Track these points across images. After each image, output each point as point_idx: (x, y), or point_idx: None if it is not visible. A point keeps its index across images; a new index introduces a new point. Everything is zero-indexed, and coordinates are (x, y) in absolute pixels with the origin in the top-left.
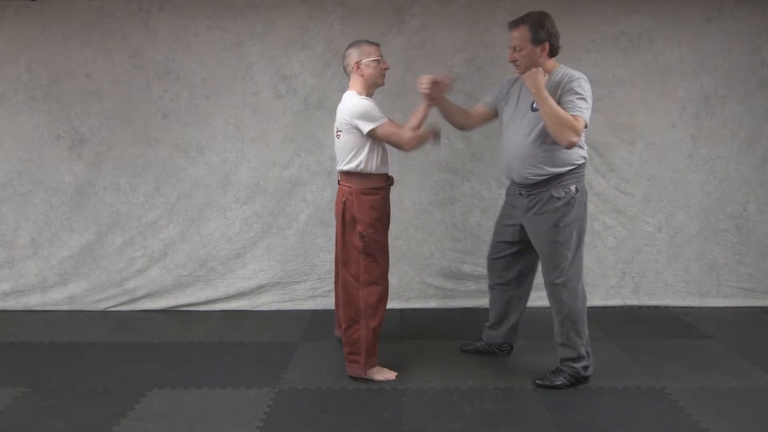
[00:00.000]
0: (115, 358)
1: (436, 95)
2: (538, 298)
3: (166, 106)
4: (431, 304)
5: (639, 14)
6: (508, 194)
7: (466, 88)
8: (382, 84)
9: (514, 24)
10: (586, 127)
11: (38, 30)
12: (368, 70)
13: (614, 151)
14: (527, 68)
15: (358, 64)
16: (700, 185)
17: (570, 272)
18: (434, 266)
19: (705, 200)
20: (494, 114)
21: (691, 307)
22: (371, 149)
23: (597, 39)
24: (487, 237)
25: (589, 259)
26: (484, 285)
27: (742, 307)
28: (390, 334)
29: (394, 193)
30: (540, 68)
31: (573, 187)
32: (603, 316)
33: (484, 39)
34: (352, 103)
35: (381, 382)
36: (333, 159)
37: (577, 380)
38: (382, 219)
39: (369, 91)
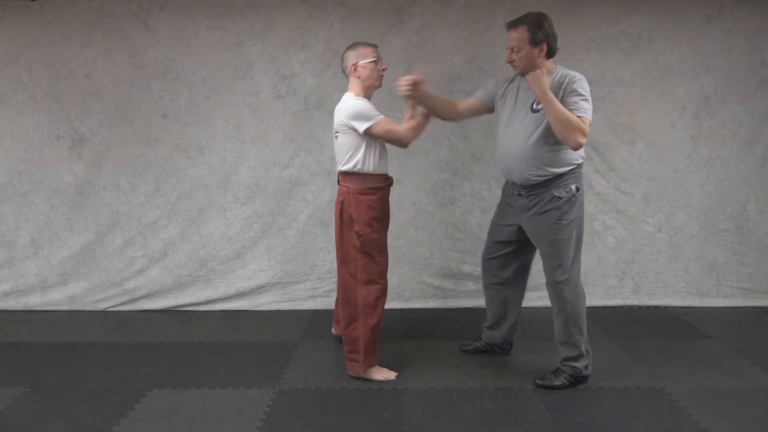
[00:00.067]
0: (115, 358)
1: (417, 95)
2: (538, 298)
3: (166, 106)
4: (431, 304)
5: (639, 14)
6: (504, 194)
7: (466, 88)
8: (380, 86)
9: (513, 25)
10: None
11: (38, 30)
12: (365, 72)
13: (614, 151)
14: (525, 69)
15: (355, 66)
16: (700, 185)
17: (572, 270)
18: (434, 266)
19: (705, 200)
20: (485, 109)
21: (691, 307)
22: (368, 149)
23: (597, 39)
24: None
25: (589, 259)
26: None
27: (742, 307)
28: (390, 334)
29: (394, 193)
30: (544, 70)
31: (574, 187)
32: (603, 316)
33: (484, 39)
34: (348, 104)
35: (381, 382)
36: (333, 159)
37: (577, 380)
38: (379, 218)
39: (367, 92)
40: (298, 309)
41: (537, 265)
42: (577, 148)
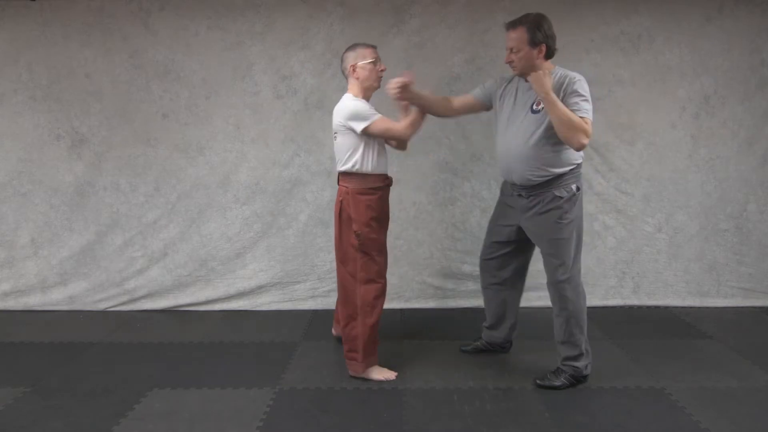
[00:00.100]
0: (115, 358)
1: (407, 97)
2: (537, 298)
3: (166, 106)
4: (431, 304)
5: (639, 14)
6: (503, 194)
7: (466, 88)
8: (378, 86)
9: (512, 25)
10: None
11: (38, 30)
12: (364, 73)
13: (614, 151)
14: (523, 70)
15: (354, 67)
16: (700, 185)
17: (573, 269)
18: (434, 266)
19: (705, 200)
20: (481, 107)
21: (691, 307)
22: (366, 150)
23: (597, 39)
24: None
25: (589, 259)
26: None
27: (742, 307)
28: (390, 334)
29: (394, 193)
30: (546, 71)
31: (574, 186)
32: (603, 316)
33: (484, 39)
34: (345, 105)
35: (381, 382)
36: (333, 159)
37: (577, 380)
38: (378, 218)
39: (365, 93)
40: (298, 309)
41: (537, 265)
42: (580, 148)
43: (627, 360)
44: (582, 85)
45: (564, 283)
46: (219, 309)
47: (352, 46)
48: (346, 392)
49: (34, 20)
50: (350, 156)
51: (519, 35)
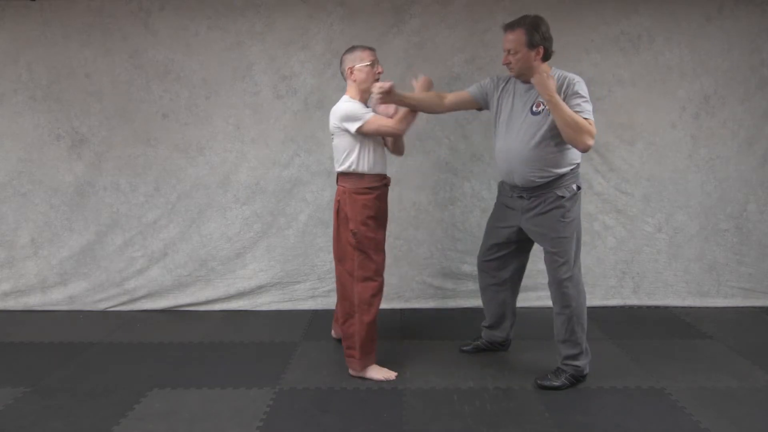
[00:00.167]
0: (115, 358)
1: (391, 101)
2: (537, 298)
3: (166, 106)
4: (431, 304)
5: (639, 14)
6: (502, 195)
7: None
8: None
9: (510, 27)
10: None
11: (38, 30)
12: (361, 75)
13: (614, 151)
14: (521, 71)
15: (351, 69)
16: (700, 185)
17: (575, 267)
18: (434, 266)
19: (705, 200)
20: (475, 105)
21: (691, 307)
22: (362, 150)
23: (597, 39)
24: None
25: (589, 259)
26: None
27: (742, 307)
28: (390, 334)
29: (394, 193)
30: (549, 73)
31: (575, 186)
32: (603, 316)
33: (484, 39)
34: (338, 107)
35: (381, 381)
36: (332, 159)
37: (577, 380)
38: (375, 217)
39: (363, 95)
40: (298, 309)
41: (537, 265)
42: (585, 150)
43: (627, 360)
44: (582, 87)
45: (567, 281)
46: (219, 309)
47: (351, 49)
48: (346, 392)
49: (34, 20)
50: (347, 156)
51: (517, 37)
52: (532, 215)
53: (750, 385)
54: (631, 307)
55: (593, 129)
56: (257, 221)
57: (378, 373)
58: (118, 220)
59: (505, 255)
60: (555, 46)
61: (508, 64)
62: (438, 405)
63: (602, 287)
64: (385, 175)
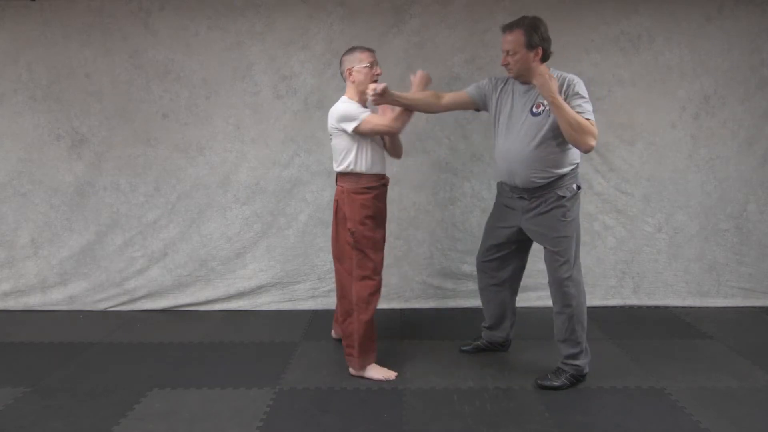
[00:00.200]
0: (115, 358)
1: (386, 101)
2: (537, 298)
3: (166, 106)
4: (431, 304)
5: (639, 14)
6: (501, 196)
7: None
8: None
9: (509, 28)
10: None
11: (38, 30)
12: (359, 77)
13: (614, 151)
14: (519, 72)
15: (350, 70)
16: (700, 185)
17: (575, 267)
18: (434, 266)
19: (705, 200)
20: (472, 106)
21: (691, 307)
22: (360, 150)
23: (597, 39)
24: None
25: (589, 259)
26: None
27: (742, 307)
28: (390, 334)
29: (394, 193)
30: (551, 74)
31: (575, 185)
32: (603, 316)
33: (484, 39)
34: (335, 108)
35: (381, 381)
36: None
37: (577, 379)
38: (373, 217)
39: (361, 96)
40: (298, 309)
41: (537, 265)
42: (588, 150)
43: (627, 360)
44: (581, 87)
45: (567, 280)
46: (219, 309)
47: (350, 50)
48: (346, 392)
49: (34, 20)
50: (345, 157)
51: (516, 38)
52: (533, 215)
53: (750, 385)
54: (631, 307)
55: (595, 129)
56: (257, 221)
57: (378, 372)
58: (118, 220)
59: (504, 255)
60: (555, 46)
61: (506, 65)
62: (438, 405)
63: (602, 287)
64: (384, 175)
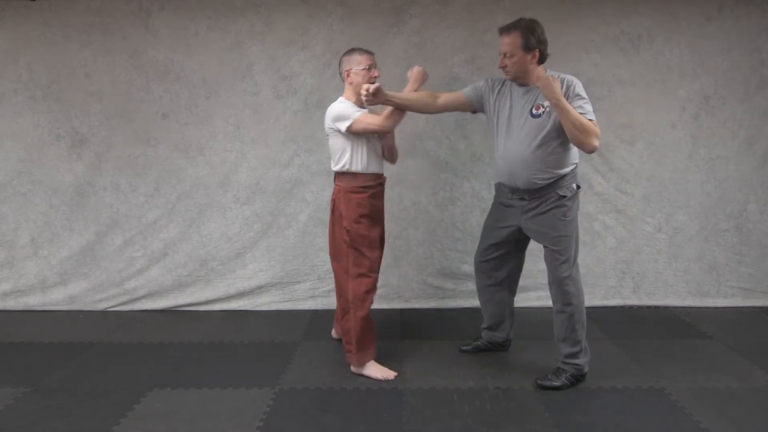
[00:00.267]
0: (115, 358)
1: (379, 101)
2: (537, 298)
3: (166, 106)
4: (431, 304)
5: (639, 14)
6: (500, 196)
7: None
8: None
9: (506, 30)
10: None
11: (38, 30)
12: (357, 78)
13: (614, 151)
14: (517, 74)
15: (348, 71)
16: (700, 185)
17: (574, 266)
18: (434, 266)
19: (705, 200)
20: (468, 107)
21: (691, 307)
22: (355, 150)
23: (597, 39)
24: None
25: (589, 259)
26: None
27: (742, 307)
28: (390, 334)
29: (394, 193)
30: (554, 76)
31: (575, 185)
32: (603, 316)
33: (484, 39)
34: (330, 108)
35: (381, 381)
36: None
37: (577, 379)
38: (369, 216)
39: (358, 97)
40: (298, 309)
41: (537, 265)
42: (592, 151)
43: (627, 360)
44: (581, 88)
45: (567, 279)
46: (219, 309)
47: (349, 51)
48: (346, 392)
49: (34, 20)
50: (341, 156)
51: (513, 40)
52: (533, 215)
53: (750, 385)
54: (631, 307)
55: (598, 130)
56: (257, 221)
57: (377, 371)
58: (118, 220)
59: (502, 255)
60: (555, 46)
61: (504, 67)
62: (438, 405)
63: (602, 287)
64: (381, 174)
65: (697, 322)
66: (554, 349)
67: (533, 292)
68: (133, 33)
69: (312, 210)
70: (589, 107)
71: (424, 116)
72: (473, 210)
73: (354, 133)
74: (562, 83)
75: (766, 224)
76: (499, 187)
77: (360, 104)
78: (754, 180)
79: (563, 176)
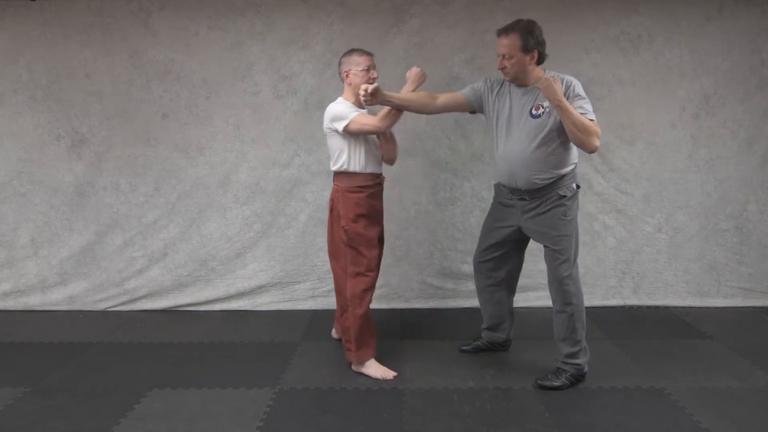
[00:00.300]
0: (115, 358)
1: (378, 101)
2: (537, 298)
3: (166, 106)
4: (431, 304)
5: (639, 14)
6: (499, 196)
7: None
8: None
9: (504, 32)
10: None
11: (38, 30)
12: (356, 80)
13: (614, 151)
14: (516, 76)
15: (347, 72)
16: (700, 185)
17: (574, 266)
18: (434, 266)
19: (705, 200)
20: (467, 108)
21: (691, 307)
22: (352, 150)
23: (597, 39)
24: None
25: (589, 259)
26: None
27: (742, 307)
28: (390, 334)
29: (394, 193)
30: (555, 77)
31: (574, 185)
32: (603, 316)
33: (484, 39)
34: (328, 109)
35: (381, 381)
36: None
37: (577, 379)
38: (367, 215)
39: (357, 98)
40: (298, 309)
41: (537, 265)
42: (593, 151)
43: (627, 360)
44: (581, 88)
45: (567, 278)
46: (219, 309)
47: (349, 52)
48: (346, 392)
49: (34, 20)
50: (339, 156)
51: (511, 42)
52: (533, 215)
53: (750, 385)
54: (631, 307)
55: (599, 130)
56: (257, 221)
57: (377, 370)
58: (118, 220)
59: (501, 255)
60: (555, 46)
61: (503, 68)
62: (438, 405)
63: (602, 287)
64: (379, 174)
65: (697, 322)
66: (554, 349)
67: (533, 292)
68: (133, 33)
69: (312, 210)
70: (589, 107)
71: (424, 116)
72: (473, 210)
73: (350, 134)
74: (561, 83)
75: (766, 224)
76: (499, 187)
77: (359, 105)
78: (754, 180)
79: (563, 176)
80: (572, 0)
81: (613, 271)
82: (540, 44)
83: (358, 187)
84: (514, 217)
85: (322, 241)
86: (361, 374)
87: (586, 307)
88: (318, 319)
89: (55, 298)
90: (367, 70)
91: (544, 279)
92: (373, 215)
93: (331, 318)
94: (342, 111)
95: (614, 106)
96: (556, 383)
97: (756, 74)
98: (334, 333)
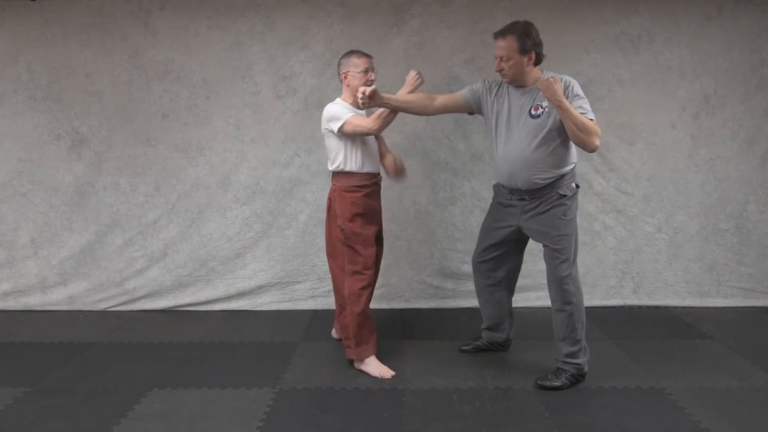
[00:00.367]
0: (115, 358)
1: (376, 103)
2: (537, 298)
3: (166, 106)
4: (431, 304)
5: (639, 14)
6: (499, 196)
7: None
8: None
9: (501, 34)
10: None
11: (38, 30)
12: (354, 81)
13: (614, 151)
14: (514, 77)
15: (345, 74)
16: (700, 185)
17: (574, 265)
18: (434, 266)
19: (705, 200)
20: (466, 109)
21: (691, 307)
22: (349, 150)
23: (597, 39)
24: None
25: (589, 259)
26: None
27: (742, 307)
28: (390, 334)
29: (394, 193)
30: (555, 77)
31: (574, 185)
32: (603, 316)
33: (484, 39)
34: (325, 109)
35: (381, 381)
36: None
37: (577, 378)
38: (363, 215)
39: (355, 99)
40: (298, 309)
41: (537, 265)
42: (594, 150)
43: (627, 360)
44: (579, 88)
45: (567, 278)
46: (219, 309)
47: (348, 53)
48: (346, 392)
49: (34, 20)
50: (336, 156)
51: (509, 44)
52: (533, 214)
53: (750, 385)
54: (631, 307)
55: (599, 129)
56: (257, 221)
57: (376, 368)
58: (118, 220)
59: (500, 255)
60: (555, 46)
61: (501, 70)
62: (438, 405)
63: (602, 287)
64: (377, 174)
65: (697, 322)
66: (554, 349)
67: (533, 292)
68: (133, 33)
69: (312, 210)
70: (588, 107)
71: (423, 117)
72: (473, 210)
73: (345, 134)
74: (560, 83)
75: (766, 224)
76: (498, 187)
77: (357, 106)
78: (754, 180)
79: (563, 176)
80: (572, 0)
81: (613, 271)
82: (537, 45)
83: (355, 186)
84: (514, 217)
85: (322, 241)
86: (361, 373)
87: (586, 307)
88: (318, 319)
89: (55, 298)
90: (366, 72)
91: (543, 279)
92: (370, 214)
93: (331, 318)
94: (337, 112)
95: (614, 106)
96: (556, 383)
97: (756, 74)
98: (334, 333)
